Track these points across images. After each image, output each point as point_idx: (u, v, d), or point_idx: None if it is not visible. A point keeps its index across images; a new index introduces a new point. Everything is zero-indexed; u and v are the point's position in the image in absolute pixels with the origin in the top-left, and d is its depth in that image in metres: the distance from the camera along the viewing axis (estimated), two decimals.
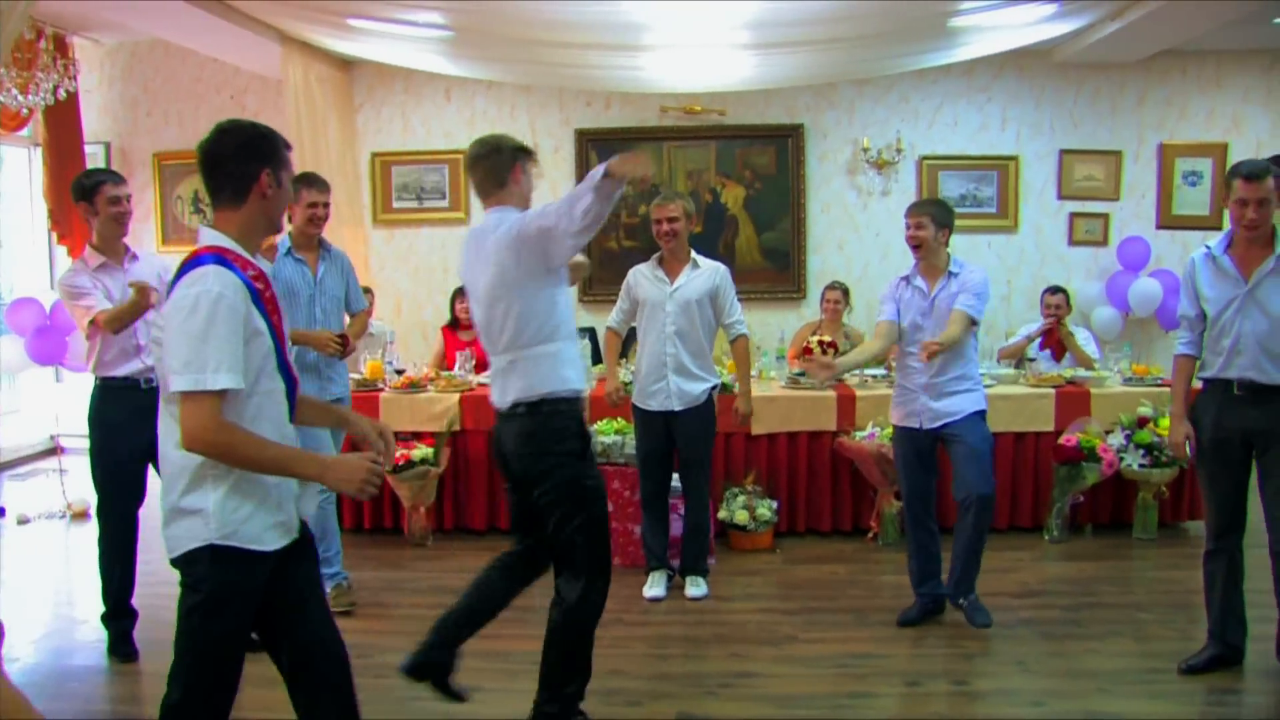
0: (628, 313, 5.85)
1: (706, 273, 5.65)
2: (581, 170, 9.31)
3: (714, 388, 5.71)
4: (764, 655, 4.90)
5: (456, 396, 6.70)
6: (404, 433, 6.65)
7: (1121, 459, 6.53)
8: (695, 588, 5.73)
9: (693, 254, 5.68)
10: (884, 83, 9.29)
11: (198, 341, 2.57)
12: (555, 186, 9.39)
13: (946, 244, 5.08)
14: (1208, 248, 4.49)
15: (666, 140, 9.34)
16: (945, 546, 5.22)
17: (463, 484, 6.83)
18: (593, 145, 9.33)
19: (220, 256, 2.68)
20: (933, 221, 5.01)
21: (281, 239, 5.23)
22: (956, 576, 5.13)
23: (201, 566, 2.67)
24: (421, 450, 6.51)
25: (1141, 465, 6.52)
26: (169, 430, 2.70)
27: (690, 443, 5.72)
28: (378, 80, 9.37)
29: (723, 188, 9.33)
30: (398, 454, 6.40)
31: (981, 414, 5.10)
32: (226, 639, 2.74)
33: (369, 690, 4.48)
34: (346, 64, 9.15)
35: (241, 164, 2.76)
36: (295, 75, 8.21)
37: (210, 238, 2.74)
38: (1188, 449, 4.59)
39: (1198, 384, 4.65)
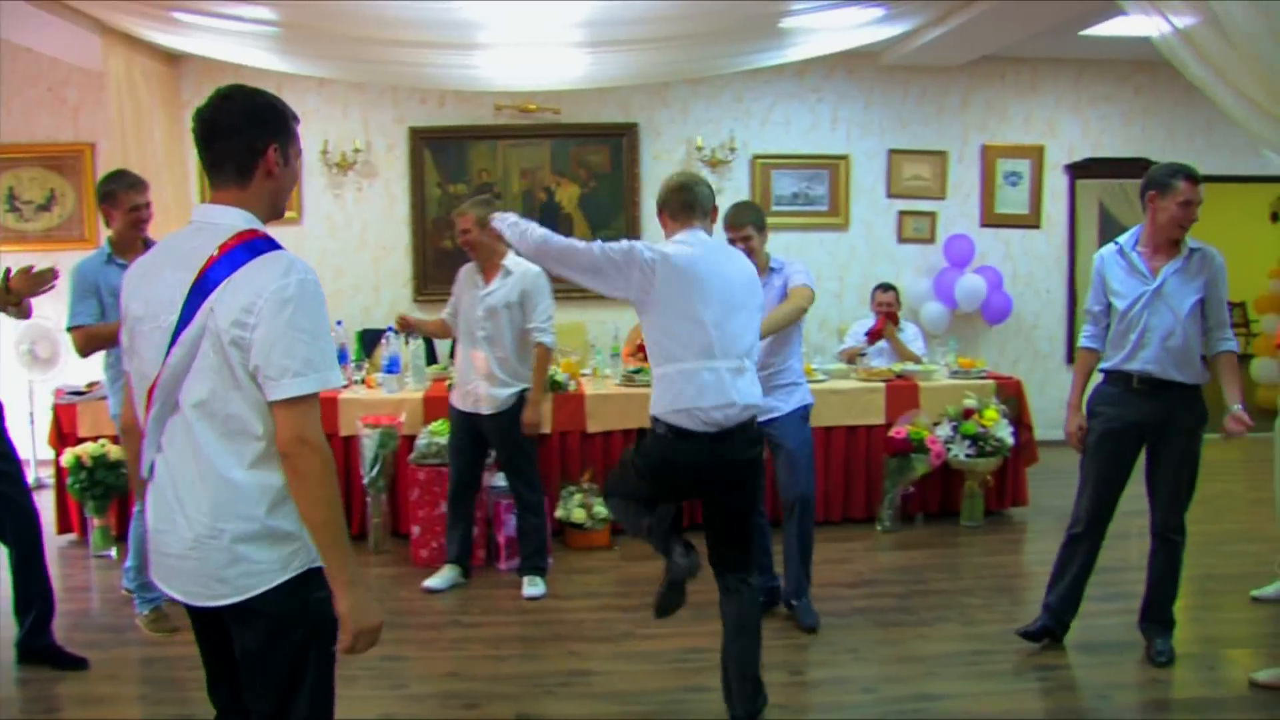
0: (455, 307, 5.79)
1: (516, 277, 5.55)
2: (416, 170, 9.16)
3: (523, 392, 5.62)
4: (602, 653, 4.87)
5: None
6: None
7: (949, 450, 6.70)
8: (532, 587, 5.67)
9: (507, 259, 5.56)
10: (717, 82, 9.36)
11: (316, 336, 2.30)
12: (389, 186, 9.22)
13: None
14: (1118, 244, 4.66)
15: (501, 139, 9.24)
16: (779, 539, 5.27)
17: None
18: (427, 143, 9.18)
19: (273, 242, 2.38)
20: (756, 230, 4.93)
21: (101, 246, 4.98)
22: (790, 579, 5.19)
23: (300, 594, 2.41)
24: None
25: (968, 455, 6.71)
26: (217, 450, 2.35)
27: (501, 447, 5.71)
28: (206, 75, 8.99)
29: (557, 186, 9.27)
30: None
31: (803, 411, 5.15)
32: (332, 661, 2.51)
33: (202, 703, 4.34)
34: (173, 58, 8.77)
35: (248, 136, 2.41)
36: (118, 68, 7.84)
37: (243, 219, 2.39)
38: (1079, 438, 4.78)
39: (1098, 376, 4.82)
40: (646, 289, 3.81)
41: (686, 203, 4.01)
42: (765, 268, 5.07)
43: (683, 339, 3.83)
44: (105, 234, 5.01)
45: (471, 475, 5.83)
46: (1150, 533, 4.66)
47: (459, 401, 5.71)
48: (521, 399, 5.61)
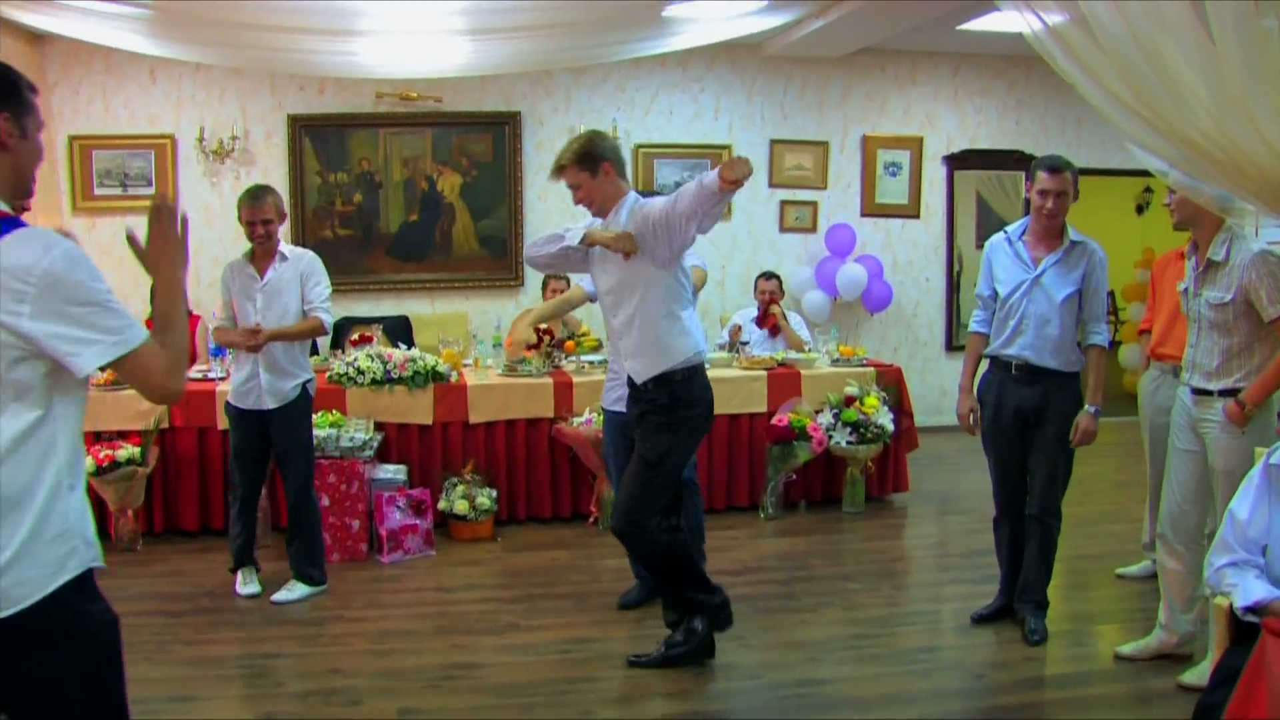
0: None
1: (291, 262, 5.37)
2: (295, 158, 8.97)
3: (307, 382, 5.46)
4: (486, 645, 4.83)
5: None
6: (108, 432, 6.25)
7: (830, 437, 6.79)
8: (285, 592, 5.43)
9: (280, 247, 5.38)
10: (600, 71, 9.34)
11: (103, 304, 2.13)
12: (268, 174, 9.00)
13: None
14: (1006, 233, 4.79)
15: (382, 127, 9.09)
16: None
17: (172, 484, 6.45)
18: (306, 131, 8.98)
19: (16, 220, 2.17)
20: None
21: None
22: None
23: (73, 606, 2.16)
24: (127, 450, 6.10)
25: (849, 442, 6.80)
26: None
27: (283, 439, 5.41)
28: (74, 57, 8.68)
29: (439, 175, 9.16)
30: (101, 454, 5.98)
31: None
32: None
33: None
34: (36, 38, 8.42)
35: None
36: None
37: None
38: (971, 420, 4.87)
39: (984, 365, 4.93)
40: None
41: (624, 163, 4.30)
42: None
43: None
44: None
45: (258, 475, 5.59)
46: (1028, 515, 4.77)
47: (241, 400, 5.40)
48: (306, 390, 5.44)
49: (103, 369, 2.16)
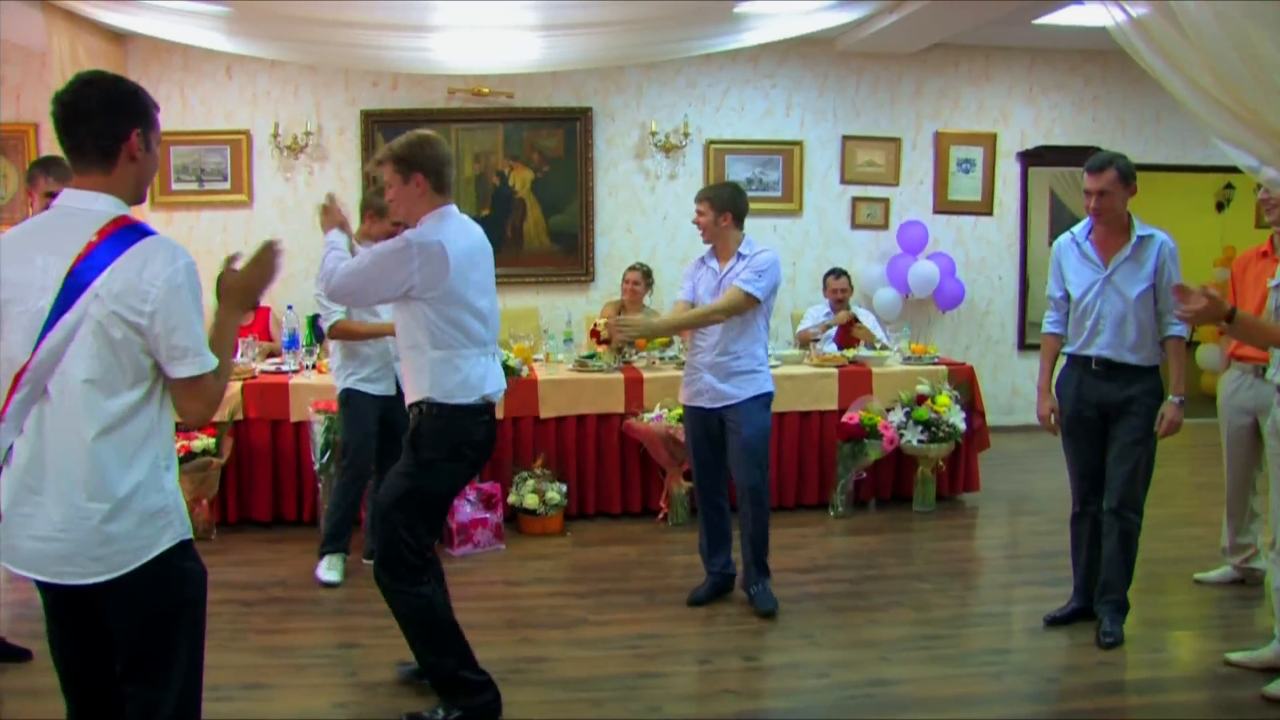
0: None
1: None
2: (368, 153, 9.06)
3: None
4: (555, 639, 4.84)
5: (239, 385, 6.40)
6: (183, 423, 6.34)
7: (901, 435, 6.74)
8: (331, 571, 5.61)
9: None
10: (671, 67, 9.33)
11: (200, 318, 2.46)
12: (340, 169, 9.13)
13: (732, 226, 5.09)
14: (1072, 234, 4.76)
15: (454, 122, 9.15)
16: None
17: (246, 475, 6.55)
18: (379, 126, 9.06)
19: (147, 228, 2.47)
20: (711, 207, 5.06)
21: None
22: (746, 565, 5.22)
23: (175, 566, 2.55)
24: (203, 441, 6.21)
25: (920, 441, 6.75)
26: (92, 431, 2.41)
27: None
28: (154, 55, 8.86)
29: (510, 171, 9.21)
30: (177, 445, 6.10)
31: (762, 399, 5.14)
32: None
33: None
34: (119, 37, 8.60)
35: (111, 120, 2.45)
36: (61, 47, 7.66)
37: (115, 205, 2.46)
38: (1052, 420, 4.84)
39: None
40: (437, 279, 3.72)
41: (449, 175, 3.91)
42: (731, 253, 5.08)
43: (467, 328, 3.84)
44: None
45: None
46: (1106, 511, 4.70)
47: (388, 389, 5.55)
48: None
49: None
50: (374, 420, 5.57)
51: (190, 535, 2.57)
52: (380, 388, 5.54)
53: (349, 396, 5.53)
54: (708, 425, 5.18)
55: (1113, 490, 4.66)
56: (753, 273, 4.97)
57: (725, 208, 5.06)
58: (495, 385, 3.93)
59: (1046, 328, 4.90)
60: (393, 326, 4.98)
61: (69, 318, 2.36)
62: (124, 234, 2.40)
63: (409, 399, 3.90)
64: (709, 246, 5.20)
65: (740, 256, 5.06)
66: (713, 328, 5.03)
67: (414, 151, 3.80)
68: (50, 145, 7.25)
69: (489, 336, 3.95)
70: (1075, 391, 4.72)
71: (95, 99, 2.45)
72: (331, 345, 5.59)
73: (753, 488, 5.08)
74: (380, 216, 5.48)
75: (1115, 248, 4.58)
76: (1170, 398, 4.55)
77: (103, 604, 2.49)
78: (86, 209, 2.44)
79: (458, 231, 3.81)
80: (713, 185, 5.21)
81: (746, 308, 4.98)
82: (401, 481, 3.88)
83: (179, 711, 2.56)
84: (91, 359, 2.38)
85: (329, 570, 5.57)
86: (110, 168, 2.46)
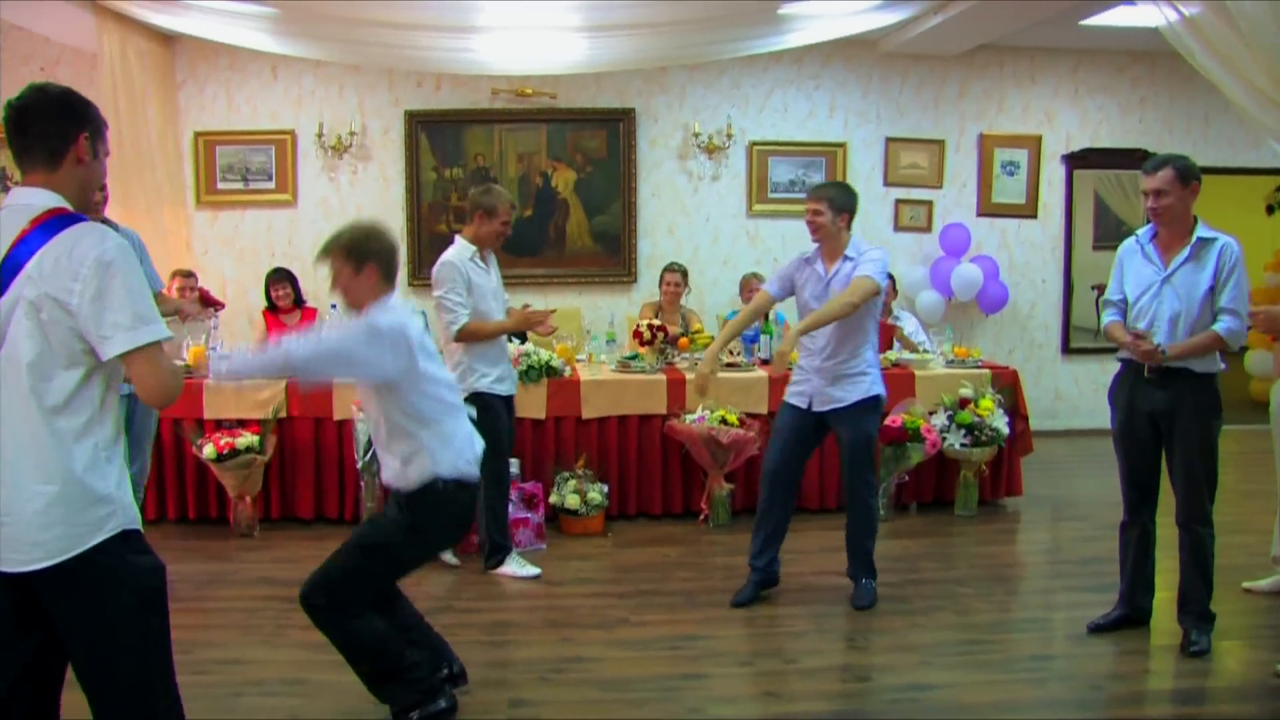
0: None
1: None
2: (412, 154, 9.13)
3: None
4: (596, 639, 4.85)
5: (283, 383, 6.45)
6: (228, 420, 6.44)
7: (944, 439, 6.70)
8: (515, 566, 5.77)
9: None
10: (715, 68, 9.33)
11: (140, 293, 2.47)
12: (384, 169, 9.19)
13: (846, 228, 5.08)
14: (1136, 237, 4.68)
15: (497, 123, 9.21)
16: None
17: (289, 473, 6.62)
18: (422, 127, 9.14)
19: (80, 216, 2.52)
20: (830, 206, 5.02)
21: None
22: (849, 559, 5.32)
23: (118, 555, 2.54)
24: (247, 438, 6.28)
25: (963, 445, 6.71)
26: (32, 413, 2.45)
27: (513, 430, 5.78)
28: (200, 56, 8.97)
29: (553, 171, 9.24)
30: (221, 442, 6.19)
31: (871, 402, 5.13)
32: None
33: (192, 687, 4.32)
34: (167, 38, 8.72)
35: (60, 122, 2.55)
36: (111, 48, 7.79)
37: (53, 199, 2.52)
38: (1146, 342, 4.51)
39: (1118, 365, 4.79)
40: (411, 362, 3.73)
41: (396, 265, 3.94)
42: (839, 254, 5.06)
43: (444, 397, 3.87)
44: None
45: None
46: (1177, 524, 4.63)
47: (495, 387, 5.59)
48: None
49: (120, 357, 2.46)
50: (508, 421, 5.67)
51: (137, 527, 2.57)
52: (507, 387, 5.63)
53: (481, 400, 5.43)
54: (800, 424, 5.17)
55: (1178, 505, 4.59)
56: (870, 263, 4.95)
57: (844, 208, 5.05)
58: (479, 442, 4.00)
59: (1106, 319, 4.74)
60: (509, 323, 5.24)
61: (5, 301, 2.43)
62: (56, 221, 2.46)
63: (409, 487, 3.83)
64: (815, 246, 5.16)
65: (847, 259, 5.04)
66: (821, 330, 4.99)
67: (368, 243, 3.83)
68: None
69: (458, 398, 4.03)
70: (1127, 400, 4.66)
71: (48, 105, 2.55)
72: (454, 348, 5.48)
73: (853, 488, 5.13)
74: (490, 217, 5.46)
75: (1177, 250, 4.50)
76: (1156, 339, 4.39)
77: (42, 593, 2.50)
78: (27, 204, 2.50)
79: (405, 314, 3.83)
80: (827, 184, 5.13)
81: (874, 296, 4.95)
82: (387, 532, 3.91)
83: (140, 700, 2.59)
84: (28, 340, 2.42)
85: (520, 568, 5.71)
86: (56, 168, 2.54)
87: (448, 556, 5.80)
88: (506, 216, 5.48)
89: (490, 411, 5.46)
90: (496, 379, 5.56)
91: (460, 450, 3.84)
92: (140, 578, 2.56)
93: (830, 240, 5.07)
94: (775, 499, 5.24)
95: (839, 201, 5.05)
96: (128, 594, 2.53)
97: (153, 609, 2.60)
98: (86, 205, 2.67)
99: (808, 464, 5.56)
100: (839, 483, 6.87)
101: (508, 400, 5.67)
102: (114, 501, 2.50)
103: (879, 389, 5.15)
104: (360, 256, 3.79)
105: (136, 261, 2.49)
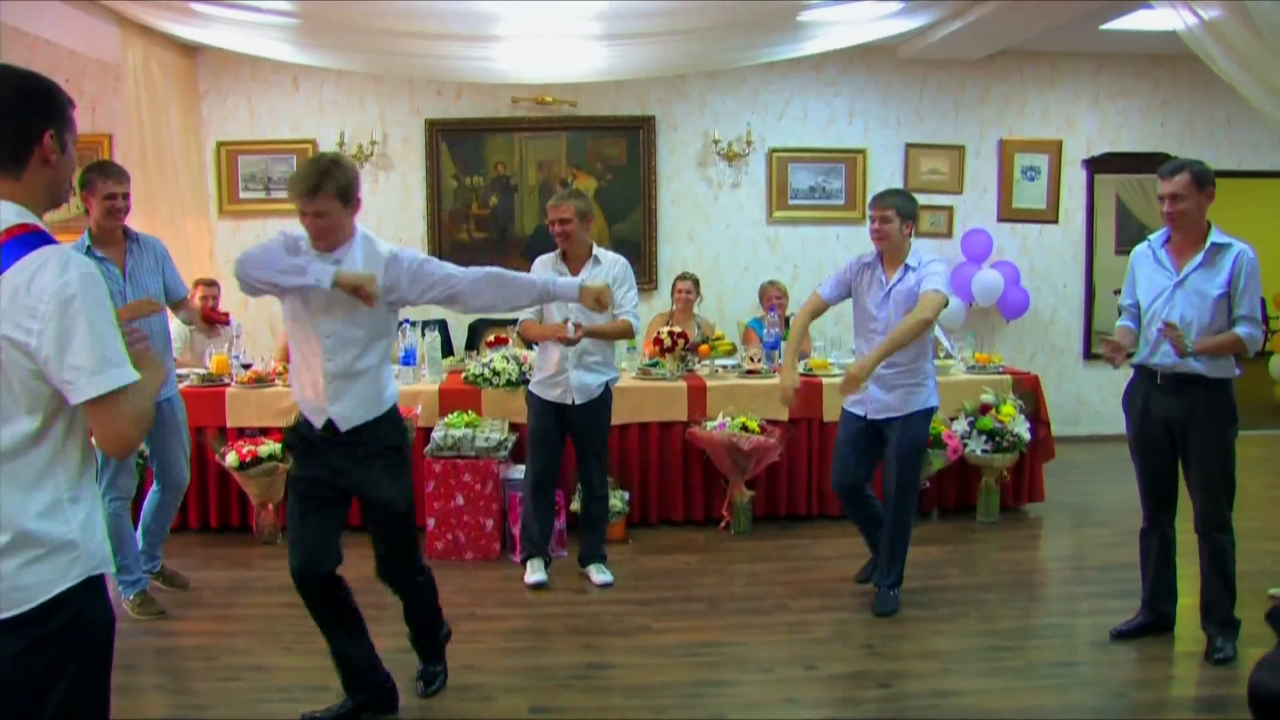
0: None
1: (605, 267, 5.54)
2: (432, 162, 9.17)
3: (611, 381, 5.67)
4: (617, 646, 4.86)
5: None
6: (250, 428, 6.48)
7: (965, 445, 6.68)
8: (602, 574, 5.74)
9: (594, 249, 5.58)
10: (734, 75, 9.33)
11: (104, 332, 2.13)
12: (405, 178, 9.23)
13: (911, 236, 5.10)
14: (1149, 242, 4.66)
15: (517, 131, 9.24)
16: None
17: None
18: (443, 135, 9.18)
19: (47, 236, 2.17)
20: (897, 214, 5.03)
21: (80, 238, 4.94)
22: (879, 565, 5.34)
23: (73, 606, 2.21)
24: (269, 446, 6.30)
25: (984, 451, 6.69)
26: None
27: (586, 434, 5.67)
28: (223, 67, 9.04)
29: (574, 179, 9.26)
30: (244, 450, 6.21)
31: (925, 413, 5.17)
32: None
33: (216, 693, 4.37)
34: (190, 49, 8.80)
35: (21, 120, 2.22)
36: (135, 60, 7.87)
37: (15, 213, 2.18)
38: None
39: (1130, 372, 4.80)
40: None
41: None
42: (900, 262, 5.07)
43: None
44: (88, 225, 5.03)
45: (553, 465, 5.76)
46: (1196, 532, 4.61)
47: (546, 392, 5.61)
48: (608, 388, 5.67)
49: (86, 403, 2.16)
50: (552, 426, 5.65)
51: (105, 571, 2.27)
52: (554, 394, 5.59)
53: (528, 397, 5.75)
54: (858, 433, 5.22)
55: (1196, 513, 4.58)
56: (935, 277, 4.96)
57: (910, 216, 5.07)
58: None
59: (1117, 324, 4.79)
60: (551, 329, 5.39)
61: None
62: (15, 245, 2.13)
63: (381, 409, 4.05)
64: (875, 252, 5.16)
65: (909, 268, 5.04)
66: (879, 339, 5.01)
67: (354, 179, 4.12)
68: (124, 156, 7.43)
69: None
70: (1142, 406, 4.65)
71: (5, 96, 2.22)
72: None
73: (895, 494, 5.14)
74: (584, 220, 5.55)
75: (1190, 255, 4.48)
76: (1186, 340, 4.33)
77: None
78: None
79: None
80: (890, 192, 5.13)
81: (943, 309, 4.98)
82: (405, 479, 4.15)
83: None
84: None
85: (532, 572, 5.71)
86: (20, 173, 2.22)
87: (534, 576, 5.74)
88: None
89: (530, 411, 5.72)
90: (539, 381, 5.66)
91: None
92: (88, 629, 2.25)
93: (895, 248, 5.08)
94: (848, 505, 5.40)
95: (905, 209, 5.06)
96: (70, 647, 2.20)
97: (94, 660, 2.28)
98: (61, 201, 2.39)
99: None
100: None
101: (558, 407, 5.63)
102: (77, 547, 2.20)
103: (934, 401, 5.19)
104: (349, 194, 4.09)
105: (103, 293, 2.17)
